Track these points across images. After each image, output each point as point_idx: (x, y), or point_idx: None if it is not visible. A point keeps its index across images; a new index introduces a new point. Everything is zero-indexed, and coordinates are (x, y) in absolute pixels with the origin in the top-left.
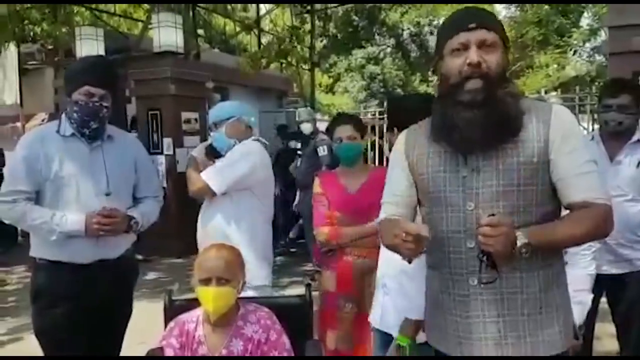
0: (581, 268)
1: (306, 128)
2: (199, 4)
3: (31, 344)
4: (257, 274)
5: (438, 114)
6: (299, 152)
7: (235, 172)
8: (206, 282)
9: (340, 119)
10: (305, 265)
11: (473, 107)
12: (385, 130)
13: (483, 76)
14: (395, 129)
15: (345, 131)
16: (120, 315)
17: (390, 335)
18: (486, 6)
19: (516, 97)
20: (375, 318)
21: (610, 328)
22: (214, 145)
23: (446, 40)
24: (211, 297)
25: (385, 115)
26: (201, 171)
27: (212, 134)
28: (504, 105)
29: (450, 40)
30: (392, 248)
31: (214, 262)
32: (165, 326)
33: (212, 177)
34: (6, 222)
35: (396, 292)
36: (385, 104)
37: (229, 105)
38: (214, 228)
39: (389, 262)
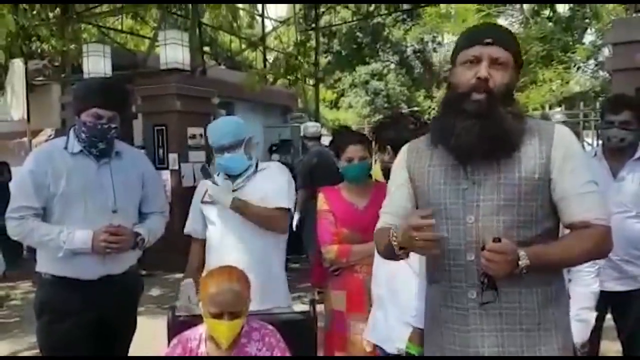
0: (585, 286)
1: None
2: (205, 22)
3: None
4: (287, 294)
5: (439, 120)
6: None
7: (293, 187)
8: (218, 316)
9: (350, 137)
10: (307, 282)
11: (474, 117)
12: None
13: (488, 91)
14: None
15: (357, 151)
16: (124, 331)
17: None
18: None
19: (518, 117)
20: (366, 330)
21: (616, 345)
22: (228, 166)
23: (461, 50)
24: (224, 331)
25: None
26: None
27: (226, 155)
28: (503, 122)
29: (464, 51)
30: (387, 254)
31: (225, 297)
32: (169, 342)
33: (284, 199)
34: (14, 238)
35: (389, 302)
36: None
37: (242, 124)
38: (249, 253)
39: (379, 275)
